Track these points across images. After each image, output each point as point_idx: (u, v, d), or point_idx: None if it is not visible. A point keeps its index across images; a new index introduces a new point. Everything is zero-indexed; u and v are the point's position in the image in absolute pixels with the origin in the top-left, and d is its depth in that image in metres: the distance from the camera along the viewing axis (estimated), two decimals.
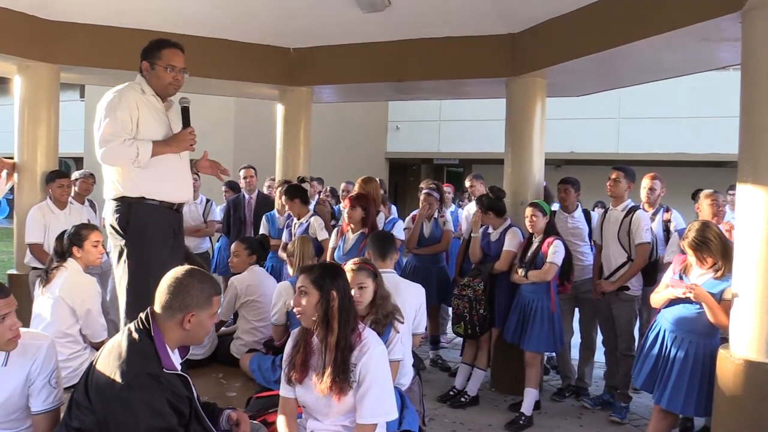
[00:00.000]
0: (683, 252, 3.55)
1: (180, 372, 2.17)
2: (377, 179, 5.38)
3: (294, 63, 5.92)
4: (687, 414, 3.78)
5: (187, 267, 2.28)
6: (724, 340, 3.29)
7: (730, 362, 3.06)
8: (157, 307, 2.18)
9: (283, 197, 5.31)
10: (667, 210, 4.90)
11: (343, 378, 2.36)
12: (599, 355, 5.07)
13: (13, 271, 5.37)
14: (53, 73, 5.29)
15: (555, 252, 4.42)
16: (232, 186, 7.23)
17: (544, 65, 4.86)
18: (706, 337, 3.41)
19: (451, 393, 4.83)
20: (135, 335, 2.15)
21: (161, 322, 2.18)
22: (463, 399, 4.75)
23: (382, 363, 2.46)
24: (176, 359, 2.22)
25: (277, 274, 5.29)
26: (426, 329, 5.63)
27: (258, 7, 5.13)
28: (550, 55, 4.76)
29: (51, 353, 2.35)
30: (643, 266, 4.50)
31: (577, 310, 5.18)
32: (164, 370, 2.10)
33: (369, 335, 2.48)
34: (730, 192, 7.02)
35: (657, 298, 3.60)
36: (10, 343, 2.22)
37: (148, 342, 2.13)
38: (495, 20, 4.97)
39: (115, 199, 3.13)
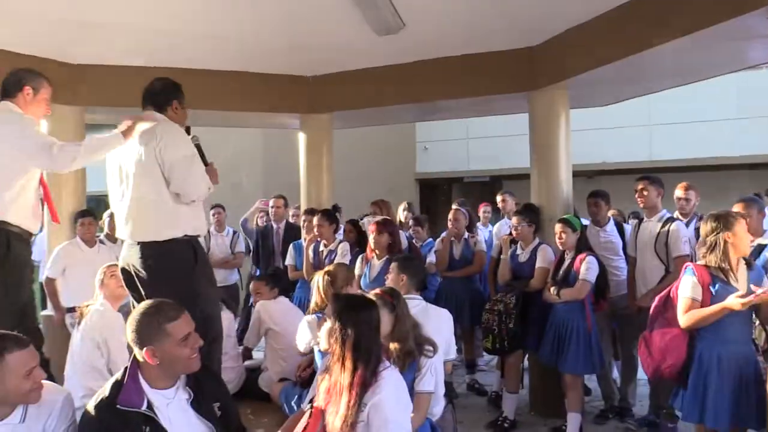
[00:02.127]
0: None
1: (142, 410, 2.14)
2: (407, 202, 5.31)
3: (313, 91, 5.92)
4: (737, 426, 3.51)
5: (143, 302, 2.31)
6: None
7: None
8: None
9: (318, 219, 5.22)
10: (701, 218, 4.70)
11: (350, 420, 2.30)
12: (642, 373, 4.85)
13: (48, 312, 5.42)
14: (78, 115, 5.39)
15: (588, 269, 4.26)
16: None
17: (564, 77, 4.76)
18: (740, 345, 3.18)
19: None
20: (122, 370, 2.23)
21: (138, 359, 2.21)
22: (500, 422, 4.59)
23: (395, 406, 2.37)
24: (160, 396, 2.21)
25: (303, 306, 5.24)
26: (461, 352, 5.53)
27: (273, 37, 5.15)
28: (570, 66, 4.66)
29: (67, 408, 2.32)
30: None
31: (615, 327, 4.99)
32: (118, 406, 2.11)
33: (388, 376, 2.38)
34: None
35: (701, 317, 3.13)
36: (32, 394, 2.20)
37: (122, 377, 2.20)
38: (511, 34, 4.89)
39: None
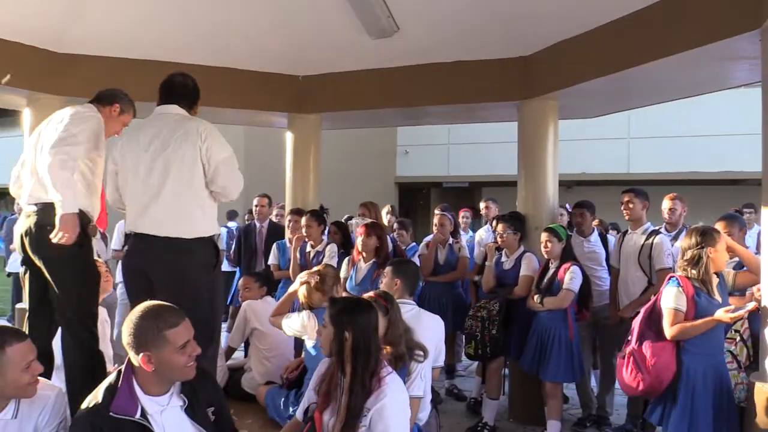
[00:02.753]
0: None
1: (135, 419, 2.09)
2: (390, 205, 5.30)
3: (303, 90, 5.89)
4: None
5: (145, 303, 2.21)
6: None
7: (763, 393, 2.93)
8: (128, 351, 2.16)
9: (307, 219, 5.19)
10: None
11: (350, 424, 2.29)
12: None
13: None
14: (63, 106, 5.24)
15: (572, 278, 4.31)
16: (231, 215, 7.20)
17: (555, 87, 4.81)
18: (718, 356, 3.26)
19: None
20: (115, 374, 2.17)
21: (133, 364, 2.15)
22: (479, 428, 4.61)
23: (398, 413, 2.37)
24: (153, 403, 2.16)
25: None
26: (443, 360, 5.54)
27: (266, 35, 5.13)
28: (562, 77, 4.70)
29: (59, 405, 2.30)
30: None
31: (595, 336, 5.06)
32: (111, 413, 2.07)
33: (391, 381, 2.38)
34: (746, 210, 6.93)
35: (692, 329, 3.15)
36: (30, 387, 2.19)
37: (114, 381, 2.14)
38: (505, 43, 4.93)
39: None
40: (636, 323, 3.41)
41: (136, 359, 2.12)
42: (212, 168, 3.07)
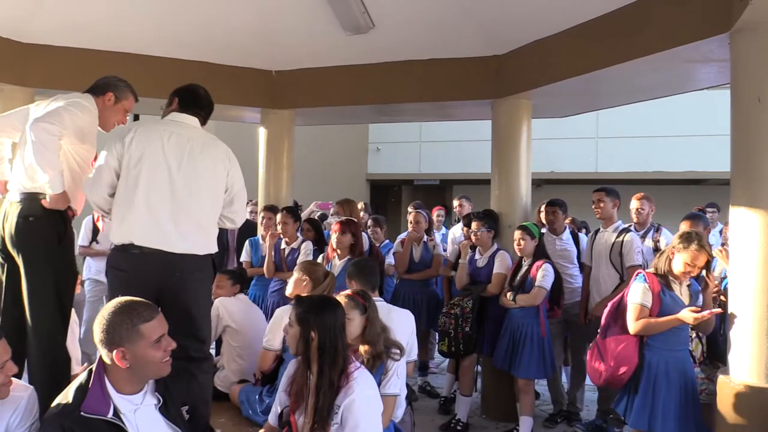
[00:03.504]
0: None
1: (107, 418, 2.04)
2: (363, 202, 5.28)
3: (276, 85, 5.84)
4: None
5: (114, 300, 2.17)
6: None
7: (729, 388, 3.01)
8: (99, 349, 2.10)
9: (283, 216, 5.17)
10: (657, 229, 4.89)
11: (321, 422, 2.28)
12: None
13: None
14: (27, 97, 5.10)
15: (544, 276, 4.35)
16: None
17: (528, 87, 4.85)
18: (682, 351, 3.34)
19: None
20: (85, 373, 2.11)
21: (106, 363, 2.10)
22: (452, 424, 4.64)
23: (368, 407, 2.36)
24: (126, 401, 2.11)
25: (260, 303, 5.17)
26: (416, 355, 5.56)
27: (239, 29, 5.06)
28: (535, 76, 4.74)
29: (31, 405, 2.23)
30: None
31: (567, 333, 5.13)
32: (82, 413, 2.01)
33: (359, 377, 2.38)
34: (709, 209, 7.10)
35: (656, 325, 3.23)
36: (2, 389, 2.12)
37: (86, 381, 2.09)
38: (479, 42, 4.95)
39: None
40: (603, 316, 3.50)
41: (110, 356, 2.07)
42: (233, 194, 3.14)
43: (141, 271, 2.89)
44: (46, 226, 2.87)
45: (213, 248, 3.08)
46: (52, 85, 5.12)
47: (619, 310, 3.42)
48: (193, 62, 5.38)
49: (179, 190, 2.93)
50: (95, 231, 5.72)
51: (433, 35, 4.96)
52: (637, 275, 3.39)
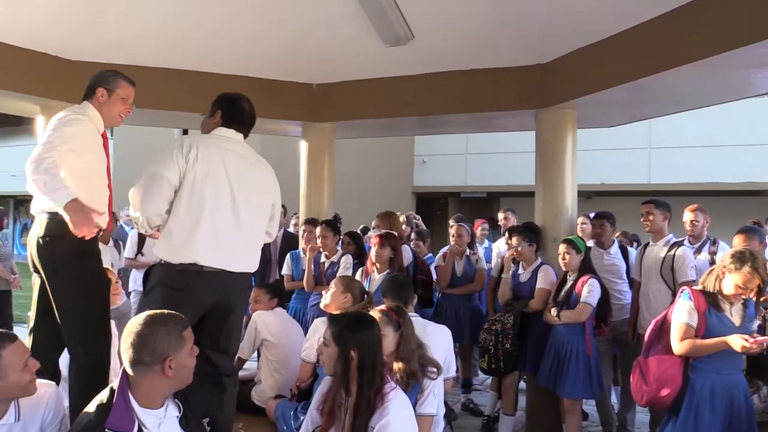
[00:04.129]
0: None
1: None
2: (410, 213, 5.20)
3: (317, 99, 5.84)
4: None
5: (143, 315, 2.15)
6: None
7: None
8: (127, 367, 2.07)
9: (322, 230, 5.17)
10: (714, 242, 4.66)
11: None
12: None
13: None
14: None
15: (590, 291, 4.19)
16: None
17: (573, 96, 4.70)
18: (732, 374, 3.12)
19: None
20: (107, 390, 2.10)
21: (135, 380, 2.07)
22: None
23: (403, 429, 2.29)
24: (151, 416, 2.09)
25: (300, 316, 5.15)
26: (457, 371, 5.44)
27: (280, 43, 5.09)
28: (579, 85, 4.60)
29: (59, 399, 2.32)
30: None
31: (617, 351, 4.92)
32: (106, 429, 2.01)
33: (394, 398, 2.31)
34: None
35: (701, 348, 3.03)
36: (30, 385, 2.20)
37: (109, 397, 2.07)
38: (522, 51, 4.84)
39: None
40: (646, 334, 3.33)
41: (154, 370, 2.05)
42: (275, 210, 3.25)
43: (199, 290, 2.87)
44: (64, 245, 2.82)
45: (257, 265, 3.14)
46: None
47: (663, 328, 3.23)
48: (235, 77, 5.43)
49: (239, 208, 2.96)
50: (140, 243, 5.83)
51: (474, 45, 4.87)
52: (682, 292, 3.20)
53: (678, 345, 3.08)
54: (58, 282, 2.86)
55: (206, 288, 2.87)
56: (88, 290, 2.91)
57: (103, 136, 3.08)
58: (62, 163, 2.73)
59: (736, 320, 3.07)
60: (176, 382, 2.11)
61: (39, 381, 2.32)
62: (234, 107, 3.17)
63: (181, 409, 2.17)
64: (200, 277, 2.84)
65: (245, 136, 3.19)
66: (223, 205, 2.92)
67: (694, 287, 3.22)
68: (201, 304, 2.88)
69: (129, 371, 2.07)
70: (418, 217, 7.35)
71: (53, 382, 2.44)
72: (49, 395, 2.30)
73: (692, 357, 3.08)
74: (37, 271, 2.98)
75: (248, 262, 3.02)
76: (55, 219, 2.80)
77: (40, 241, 2.85)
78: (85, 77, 5.05)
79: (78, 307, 2.85)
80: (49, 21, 4.57)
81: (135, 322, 2.12)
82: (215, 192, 2.90)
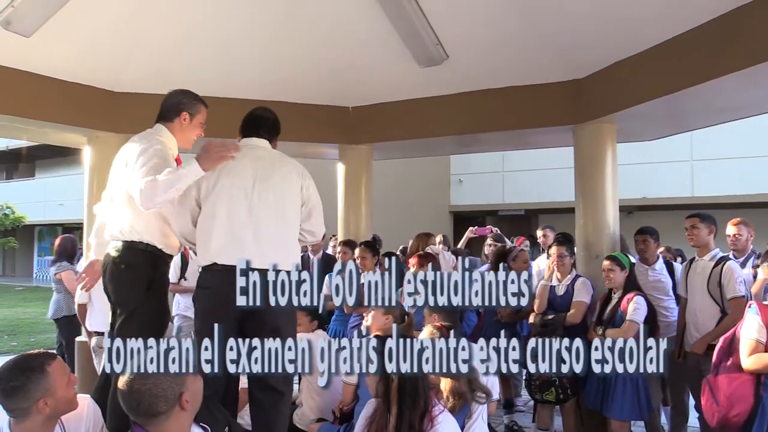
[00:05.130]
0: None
1: None
2: (441, 234, 5.20)
3: (353, 121, 5.91)
4: None
5: (128, 378, 1.99)
6: None
7: None
8: (144, 425, 1.99)
9: (361, 251, 5.21)
10: (759, 256, 4.50)
11: None
12: (693, 420, 4.62)
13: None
14: (122, 142, 5.38)
15: (636, 309, 4.09)
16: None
17: (611, 110, 4.65)
18: None
19: None
20: None
21: (158, 429, 1.99)
22: None
23: None
24: None
25: (340, 337, 5.15)
26: (499, 393, 5.34)
27: (315, 67, 5.17)
28: (618, 99, 4.55)
29: (96, 410, 2.37)
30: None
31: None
32: None
33: (443, 420, 2.28)
34: None
35: (765, 362, 2.95)
36: (74, 400, 2.24)
37: None
38: (558, 67, 4.81)
39: None
40: (715, 352, 3.24)
41: (172, 412, 2.00)
42: (309, 207, 3.23)
43: (224, 287, 2.84)
44: (138, 274, 2.95)
45: (296, 261, 3.12)
46: (143, 130, 5.41)
47: (733, 345, 3.14)
48: (272, 102, 5.49)
49: (255, 208, 3.02)
50: (183, 268, 5.92)
51: (508, 62, 4.87)
52: (749, 308, 3.11)
53: (746, 361, 2.99)
54: (128, 307, 2.95)
55: (229, 283, 2.87)
56: (152, 319, 2.99)
57: (177, 160, 3.16)
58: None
59: None
60: (194, 409, 2.10)
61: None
62: (245, 119, 3.31)
63: (206, 429, 2.18)
64: (220, 274, 2.92)
65: (271, 140, 3.27)
66: (237, 208, 3.01)
67: (765, 302, 3.10)
68: (228, 301, 2.77)
69: (148, 428, 1.99)
70: (496, 229, 7.10)
71: (88, 396, 2.48)
72: (87, 407, 2.35)
73: (764, 374, 2.97)
74: (109, 297, 3.07)
75: (280, 258, 2.86)
76: (133, 247, 2.93)
77: (116, 267, 2.95)
78: (130, 108, 5.29)
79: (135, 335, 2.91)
80: (95, 55, 4.74)
81: (129, 383, 1.99)
82: (228, 197, 3.01)
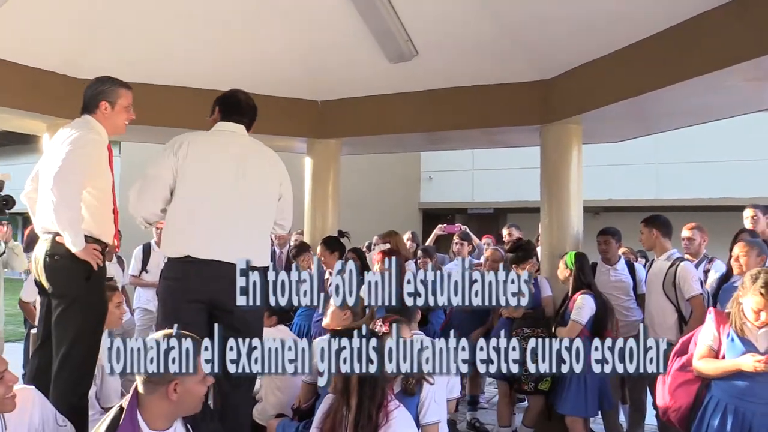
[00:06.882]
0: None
1: None
2: (410, 231, 5.19)
3: (322, 115, 5.87)
4: None
5: (162, 332, 2.09)
6: None
7: None
8: (139, 383, 2.05)
9: (321, 250, 5.16)
10: (710, 261, 4.61)
11: None
12: (650, 418, 4.69)
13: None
14: None
15: (579, 308, 4.14)
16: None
17: (577, 111, 4.70)
18: (751, 403, 2.91)
19: None
20: (116, 409, 2.07)
21: (144, 397, 2.04)
22: None
23: None
24: None
25: (305, 333, 5.11)
26: (465, 389, 5.37)
27: (284, 60, 5.11)
28: (584, 100, 4.59)
29: (42, 401, 2.31)
30: (702, 320, 4.14)
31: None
32: None
33: (398, 415, 2.27)
34: None
35: (713, 368, 2.96)
36: (5, 401, 2.14)
37: (116, 417, 2.04)
38: (526, 67, 4.84)
39: None
40: (672, 351, 3.24)
41: (159, 391, 2.02)
42: (284, 201, 3.19)
43: (194, 280, 2.86)
44: (76, 263, 2.86)
45: (267, 261, 3.06)
46: None
47: (689, 346, 3.18)
48: None
49: (237, 201, 2.96)
50: (145, 261, 5.82)
51: (477, 61, 4.88)
52: (709, 313, 3.16)
53: (696, 363, 3.04)
54: (62, 300, 2.87)
55: (201, 277, 2.85)
56: (92, 311, 2.94)
57: (108, 149, 3.09)
58: (81, 191, 2.81)
59: (762, 345, 2.86)
60: (181, 407, 2.08)
61: (18, 387, 2.29)
62: (229, 100, 3.22)
63: (190, 429, 2.15)
64: (192, 266, 2.86)
65: (248, 128, 3.20)
66: (218, 200, 2.93)
67: (725, 309, 3.13)
68: (203, 298, 2.85)
69: (140, 388, 2.06)
70: (464, 227, 7.07)
71: (32, 387, 2.40)
72: (32, 398, 2.27)
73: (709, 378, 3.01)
74: (42, 290, 2.98)
75: (254, 254, 2.78)
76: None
77: (48, 259, 2.86)
78: None
79: (76, 328, 2.87)
80: (55, 39, 4.61)
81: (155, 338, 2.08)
82: (209, 187, 2.94)
